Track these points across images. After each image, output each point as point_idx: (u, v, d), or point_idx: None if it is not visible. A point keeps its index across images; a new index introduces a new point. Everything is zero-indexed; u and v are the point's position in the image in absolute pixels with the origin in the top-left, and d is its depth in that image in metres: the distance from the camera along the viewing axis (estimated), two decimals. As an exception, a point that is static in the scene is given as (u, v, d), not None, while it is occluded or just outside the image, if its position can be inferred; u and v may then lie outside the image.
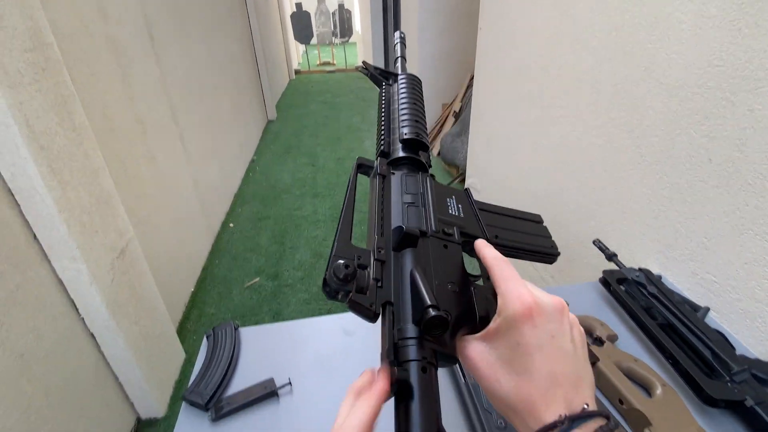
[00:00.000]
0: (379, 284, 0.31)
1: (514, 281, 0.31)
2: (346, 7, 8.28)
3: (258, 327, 0.86)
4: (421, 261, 0.33)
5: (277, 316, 1.77)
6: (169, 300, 1.66)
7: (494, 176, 2.09)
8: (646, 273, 0.89)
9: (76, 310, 1.17)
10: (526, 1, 1.56)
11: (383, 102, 0.54)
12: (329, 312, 1.75)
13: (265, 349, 0.80)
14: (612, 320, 0.84)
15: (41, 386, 1.03)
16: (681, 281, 0.95)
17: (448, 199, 0.43)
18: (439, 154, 3.53)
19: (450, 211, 0.42)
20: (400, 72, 0.59)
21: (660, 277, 0.93)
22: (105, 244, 1.19)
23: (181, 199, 2.04)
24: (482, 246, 0.36)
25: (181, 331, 1.75)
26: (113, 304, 1.20)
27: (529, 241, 0.46)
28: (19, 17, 0.96)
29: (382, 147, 0.48)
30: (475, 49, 2.13)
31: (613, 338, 0.79)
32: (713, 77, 0.84)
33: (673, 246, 0.96)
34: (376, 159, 0.46)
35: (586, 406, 0.27)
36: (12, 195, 0.98)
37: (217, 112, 2.86)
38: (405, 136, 0.47)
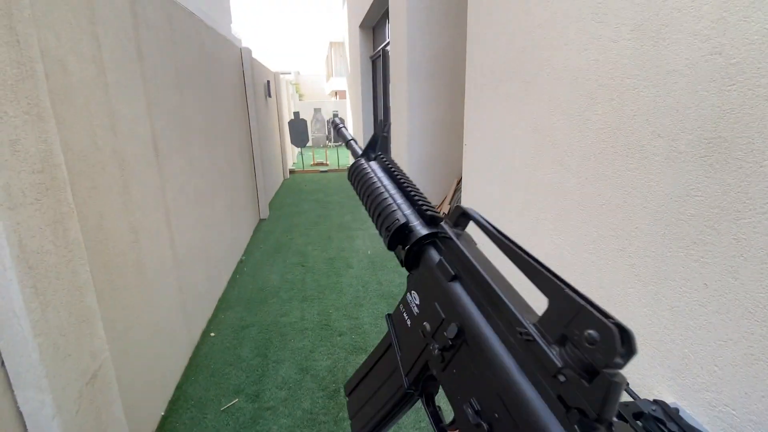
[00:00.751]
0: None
1: None
2: (339, 116, 9.06)
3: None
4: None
5: (257, 445, 1.58)
6: (136, 428, 1.48)
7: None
8: (662, 405, 0.84)
9: (30, 447, 1.02)
10: (507, 124, 1.72)
11: (392, 169, 0.48)
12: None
13: None
14: (635, 464, 0.76)
15: None
16: (698, 413, 0.89)
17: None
18: (429, 254, 3.56)
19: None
20: (359, 151, 0.54)
21: (677, 409, 0.87)
22: (76, 369, 1.09)
23: (164, 307, 1.95)
24: None
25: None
26: (73, 439, 1.06)
27: None
28: (33, 141, 1.00)
29: (428, 212, 0.41)
30: (462, 155, 2.29)
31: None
32: (694, 206, 0.89)
33: (684, 373, 0.92)
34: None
35: None
36: (-14, 318, 0.92)
37: (211, 214, 2.91)
38: (429, 213, 0.41)
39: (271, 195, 6.05)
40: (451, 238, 0.35)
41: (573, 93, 1.26)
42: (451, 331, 0.31)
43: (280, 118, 7.59)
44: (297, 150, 10.06)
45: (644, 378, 1.03)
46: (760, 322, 0.76)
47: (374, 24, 6.58)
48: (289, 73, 12.93)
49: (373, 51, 6.73)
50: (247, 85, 4.39)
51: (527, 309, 0.28)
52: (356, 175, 0.51)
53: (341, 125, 0.56)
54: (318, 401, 1.78)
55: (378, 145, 0.52)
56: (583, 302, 0.23)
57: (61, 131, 1.10)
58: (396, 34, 4.08)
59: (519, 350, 0.27)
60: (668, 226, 0.95)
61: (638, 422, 0.84)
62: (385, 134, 0.53)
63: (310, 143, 8.54)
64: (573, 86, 1.25)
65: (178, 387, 1.92)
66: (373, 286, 2.94)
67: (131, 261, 1.61)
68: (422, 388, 0.38)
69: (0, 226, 0.88)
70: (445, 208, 3.71)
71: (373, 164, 0.50)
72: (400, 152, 4.33)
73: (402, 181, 0.46)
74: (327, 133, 8.93)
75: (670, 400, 0.92)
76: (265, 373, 1.99)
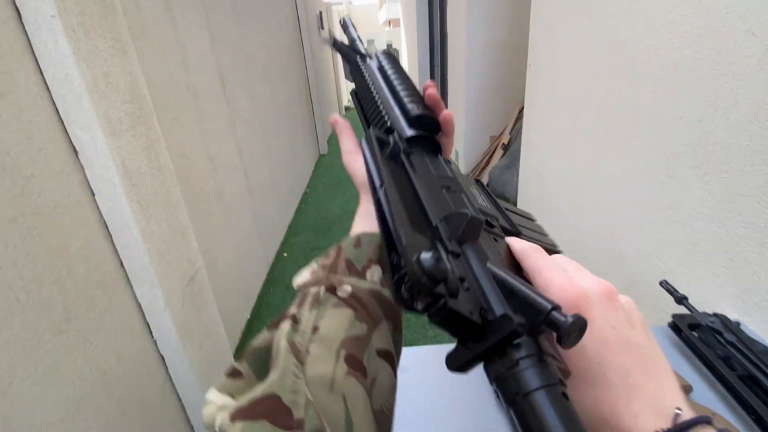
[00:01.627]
0: (465, 286, 0.24)
1: (551, 270, 0.27)
2: (394, 46, 8.66)
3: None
4: (488, 257, 0.27)
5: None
6: (228, 326, 1.75)
7: (547, 210, 2.05)
8: (722, 319, 0.83)
9: (150, 333, 1.27)
10: (577, 37, 1.57)
11: (367, 77, 0.47)
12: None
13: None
14: (684, 370, 0.79)
15: (119, 404, 1.12)
16: (763, 329, 0.87)
17: (472, 188, 0.38)
18: (488, 185, 3.51)
19: (480, 201, 0.36)
20: (363, 50, 0.52)
21: (738, 323, 0.86)
22: (178, 273, 1.29)
23: (243, 231, 2.18)
24: (507, 239, 0.32)
25: (237, 357, 1.82)
26: (182, 328, 1.29)
27: (536, 237, 0.40)
28: (121, 74, 1.11)
29: (387, 124, 0.40)
30: (524, 82, 2.15)
31: (687, 389, 0.73)
32: (788, 113, 0.80)
33: (753, 290, 0.89)
34: (389, 136, 0.37)
35: (678, 411, 0.23)
36: (107, 227, 1.12)
37: (276, 148, 3.06)
38: (416, 112, 0.39)
39: (329, 131, 6.15)
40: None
41: (657, -8, 1.11)
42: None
43: (333, 52, 7.45)
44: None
45: (708, 296, 1.01)
46: None
47: (431, -63, 5.98)
48: (341, 3, 12.38)
49: (431, -31, 6.19)
50: (300, 17, 4.32)
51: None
52: (353, 76, 0.51)
53: (350, 24, 0.54)
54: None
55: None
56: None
57: (142, 66, 1.20)
58: (455, -55, 3.71)
59: None
60: (752, 138, 0.87)
61: (693, 332, 0.85)
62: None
63: (365, 77, 8.35)
64: (657, -16, 1.11)
65: (259, 297, 2.20)
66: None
67: (211, 187, 1.79)
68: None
69: (107, 149, 1.03)
70: (505, 138, 3.57)
71: (371, 63, 0.48)
72: (457, 80, 4.13)
73: (393, 79, 0.44)
74: (382, 65, 8.63)
75: (733, 316, 0.91)
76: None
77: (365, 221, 0.40)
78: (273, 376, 0.25)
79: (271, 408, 0.23)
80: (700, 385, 0.76)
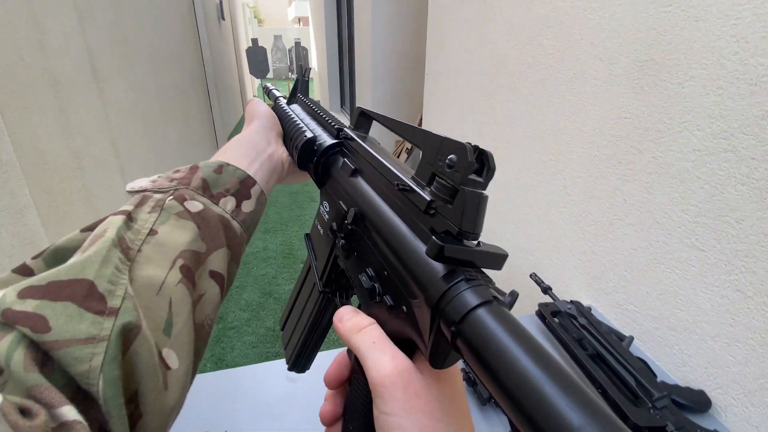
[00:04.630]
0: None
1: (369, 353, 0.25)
2: (302, 44, 8.49)
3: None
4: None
5: (219, 362, 1.67)
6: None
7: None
8: (577, 305, 0.96)
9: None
10: (466, 51, 1.69)
11: (311, 106, 0.51)
12: (276, 356, 1.68)
13: (201, 401, 0.76)
14: (548, 352, 0.89)
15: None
16: (608, 312, 1.02)
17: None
18: (392, 188, 3.61)
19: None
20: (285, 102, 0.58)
21: (590, 308, 0.99)
22: (26, 289, 1.09)
23: (120, 236, 1.93)
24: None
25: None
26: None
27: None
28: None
29: (335, 126, 0.43)
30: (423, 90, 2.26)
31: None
32: (623, 128, 0.95)
33: (600, 278, 1.04)
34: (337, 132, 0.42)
35: None
36: None
37: (163, 144, 2.78)
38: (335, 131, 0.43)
39: (230, 129, 5.79)
40: (354, 139, 0.37)
41: (528, 15, 1.24)
42: (350, 215, 0.31)
43: (237, 45, 7.04)
44: (257, 82, 9.48)
45: (568, 285, 1.15)
46: (665, 231, 0.86)
47: (337, -61, 6.00)
48: (246, -5, 11.76)
49: (337, -29, 6.20)
50: (195, 4, 3.99)
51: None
52: (277, 114, 0.54)
53: (272, 88, 0.60)
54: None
55: (299, 89, 0.55)
56: (443, 136, 0.23)
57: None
58: (359, -50, 3.76)
59: (403, 206, 0.27)
60: (600, 148, 1.02)
61: (555, 319, 0.96)
62: (305, 78, 0.57)
63: (270, 74, 8.05)
64: (529, 8, 1.24)
65: (140, 313, 1.96)
66: (335, 218, 2.99)
67: (76, 188, 1.55)
68: (335, 285, 0.39)
69: None
70: (408, 144, 3.71)
71: (294, 106, 0.53)
72: (364, 88, 4.19)
73: (317, 110, 0.48)
74: (289, 63, 8.41)
75: (586, 302, 1.05)
76: (228, 297, 2.06)
77: (233, 152, 0.40)
78: (78, 261, 0.23)
79: (80, 292, 0.22)
80: (560, 365, 0.86)
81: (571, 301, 0.96)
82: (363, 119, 0.38)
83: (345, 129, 0.40)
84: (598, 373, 0.79)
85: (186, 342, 0.27)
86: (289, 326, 0.49)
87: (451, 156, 0.22)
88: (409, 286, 0.24)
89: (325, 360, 0.35)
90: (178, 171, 0.35)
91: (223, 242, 0.32)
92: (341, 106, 6.95)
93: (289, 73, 8.53)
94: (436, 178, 0.24)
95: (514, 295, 0.22)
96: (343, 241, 0.32)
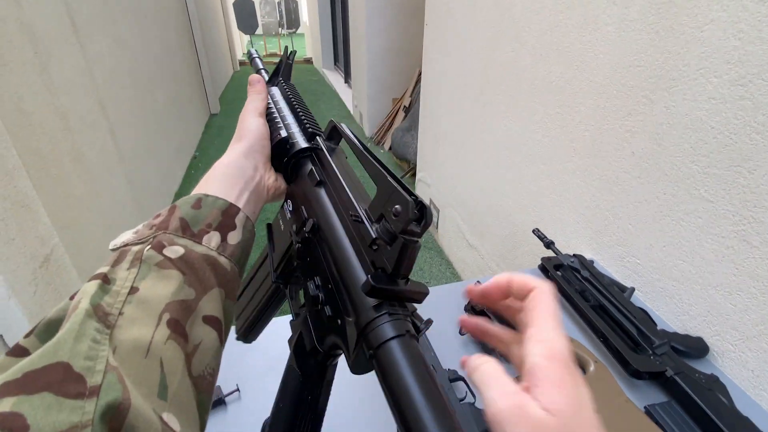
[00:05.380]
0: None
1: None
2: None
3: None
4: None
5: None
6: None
7: (443, 170, 2.15)
8: (579, 258, 0.96)
9: (-7, 326, 1.05)
10: (469, 0, 1.60)
11: (289, 94, 0.53)
12: (282, 313, 1.71)
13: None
14: (551, 305, 0.90)
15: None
16: (610, 264, 1.03)
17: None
18: (390, 148, 3.55)
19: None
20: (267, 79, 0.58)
21: (592, 261, 1.00)
22: (25, 253, 1.08)
23: (114, 200, 1.89)
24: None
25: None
26: (37, 318, 1.09)
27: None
28: None
29: (310, 129, 0.45)
30: (422, 45, 2.16)
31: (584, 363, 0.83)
32: (635, 77, 0.91)
33: (603, 232, 1.04)
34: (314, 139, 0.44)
35: None
36: None
37: (153, 105, 2.68)
38: (311, 132, 0.45)
39: (221, 88, 5.60)
40: (322, 150, 0.40)
41: (536, -44, 1.16)
42: (309, 225, 0.35)
43: (223, -2, 6.66)
44: (246, 38, 9.06)
45: (570, 239, 1.16)
46: (672, 183, 0.85)
47: None
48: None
49: None
50: (176, -49, 3.73)
51: (367, 202, 0.33)
52: None
53: (255, 55, 0.58)
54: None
55: (281, 71, 0.55)
56: (396, 185, 0.26)
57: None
58: None
59: (354, 233, 0.32)
60: (609, 99, 0.98)
61: (558, 272, 0.96)
62: (290, 61, 0.55)
63: (260, 29, 7.69)
64: (536, -52, 1.16)
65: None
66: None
67: (65, 149, 1.50)
68: (287, 280, 0.43)
69: None
70: (406, 101, 3.61)
71: (274, 89, 0.52)
72: (358, 43, 4.01)
73: (295, 103, 0.49)
74: (279, 18, 8.01)
75: (588, 256, 1.05)
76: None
77: (215, 183, 0.36)
78: (51, 344, 0.21)
79: (56, 378, 0.20)
80: (563, 316, 0.88)
81: (574, 255, 0.96)
82: (335, 132, 0.41)
83: (318, 137, 0.42)
84: (600, 323, 0.80)
85: (185, 401, 0.25)
86: (243, 300, 0.52)
87: (397, 206, 0.25)
88: (347, 306, 0.29)
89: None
90: (158, 216, 0.33)
91: (213, 282, 0.31)
92: (335, 63, 6.69)
93: (279, 29, 8.14)
94: (384, 219, 0.27)
95: (428, 323, 0.29)
96: (299, 245, 0.36)
